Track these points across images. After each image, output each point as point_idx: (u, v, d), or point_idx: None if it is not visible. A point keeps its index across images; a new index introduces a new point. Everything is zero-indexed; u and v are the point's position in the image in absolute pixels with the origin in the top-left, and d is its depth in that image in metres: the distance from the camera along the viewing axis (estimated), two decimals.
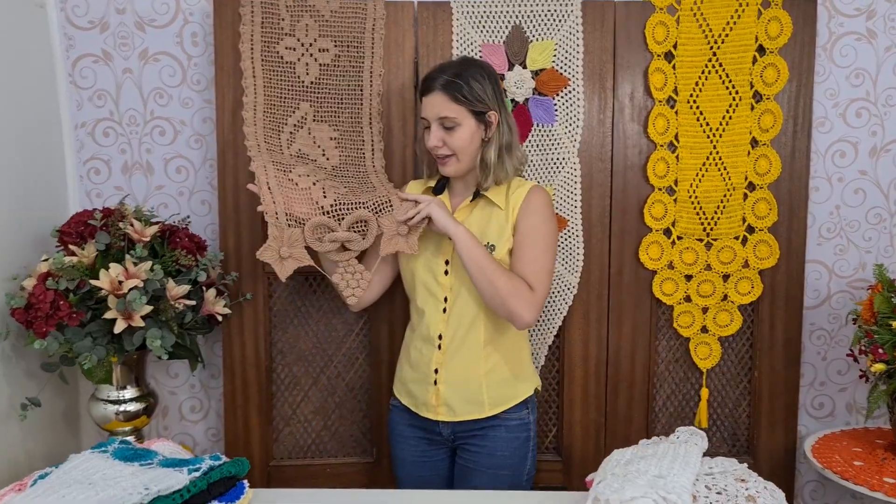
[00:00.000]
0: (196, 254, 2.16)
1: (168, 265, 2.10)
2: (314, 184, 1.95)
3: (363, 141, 2.11)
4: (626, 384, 2.36)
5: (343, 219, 1.94)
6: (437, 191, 2.02)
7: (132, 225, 2.06)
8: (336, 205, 1.95)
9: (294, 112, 2.09)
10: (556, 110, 2.26)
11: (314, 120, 2.09)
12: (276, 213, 1.90)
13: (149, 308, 1.95)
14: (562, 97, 2.26)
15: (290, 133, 2.07)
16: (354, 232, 1.95)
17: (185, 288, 2.06)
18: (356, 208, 1.94)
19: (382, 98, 2.17)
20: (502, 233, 1.91)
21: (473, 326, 1.94)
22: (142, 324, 1.94)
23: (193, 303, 2.07)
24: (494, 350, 1.96)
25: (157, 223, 2.18)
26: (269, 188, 1.91)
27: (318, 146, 2.08)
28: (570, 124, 2.27)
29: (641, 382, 2.36)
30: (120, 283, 1.95)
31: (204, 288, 2.14)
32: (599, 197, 2.30)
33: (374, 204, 1.95)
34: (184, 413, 2.49)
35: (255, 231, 2.25)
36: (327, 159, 2.08)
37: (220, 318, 2.17)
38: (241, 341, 2.30)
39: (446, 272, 1.94)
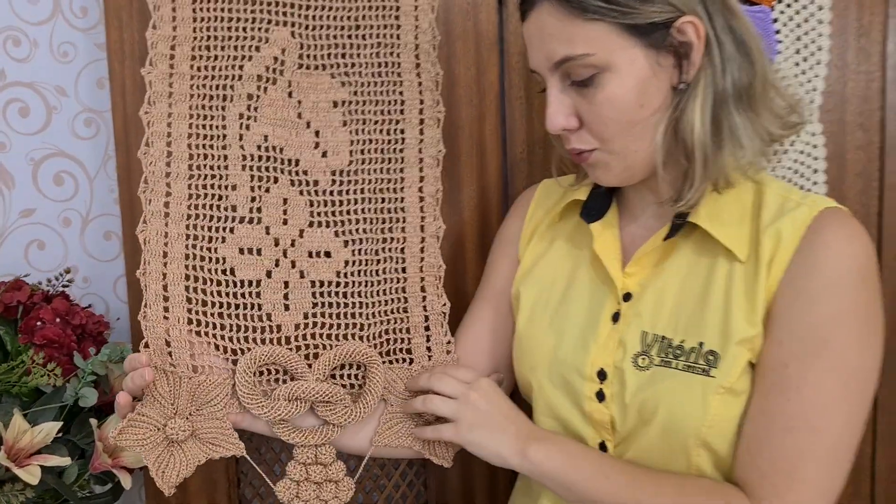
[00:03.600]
0: (74, 351, 1.08)
1: (13, 383, 1.03)
2: (276, 264, 0.90)
3: (402, 107, 0.99)
4: None
5: (319, 350, 0.93)
6: (590, 212, 0.91)
7: None
8: (315, 318, 0.93)
9: (257, 49, 0.97)
10: (779, 32, 1.14)
11: (300, 65, 0.98)
12: (168, 339, 0.85)
13: None
14: (789, 7, 1.14)
15: (249, 98, 0.96)
16: (342, 384, 0.93)
17: (52, 428, 1.00)
18: (352, 332, 0.94)
19: (438, 17, 1.05)
20: (738, 322, 0.79)
21: None
22: None
23: (66, 461, 1.00)
24: None
25: (7, 285, 1.11)
26: (162, 279, 0.86)
27: (308, 124, 0.97)
28: (806, 58, 1.14)
29: None
30: None
31: (94, 419, 1.07)
32: (861, 194, 1.18)
33: (386, 328, 0.96)
34: None
35: None
36: (323, 156, 0.96)
37: (130, 472, 1.10)
38: None
39: (600, 395, 0.84)
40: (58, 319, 1.09)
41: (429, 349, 0.95)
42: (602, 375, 0.84)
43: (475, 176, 1.17)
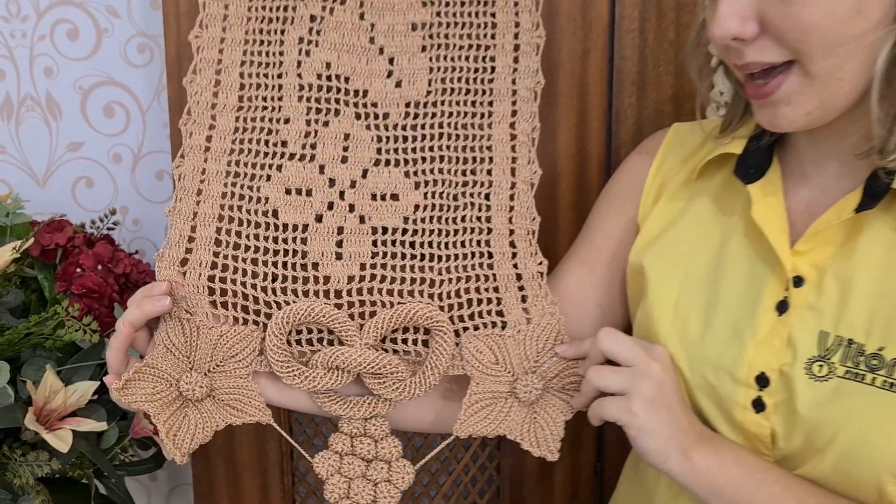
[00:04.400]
0: (115, 302, 0.97)
1: (46, 336, 0.92)
2: (329, 207, 0.76)
3: (493, 31, 0.81)
4: None
5: (377, 309, 0.77)
6: (747, 170, 0.71)
7: None
8: (374, 271, 0.77)
9: None
10: None
11: None
12: (186, 282, 0.72)
13: None
14: None
15: (311, 21, 0.80)
16: (399, 351, 0.77)
17: (88, 388, 0.90)
18: (420, 288, 0.78)
19: None
20: None
21: None
22: None
23: (102, 426, 0.90)
24: None
25: (47, 225, 1.01)
26: (192, 218, 0.75)
27: (381, 50, 0.81)
28: None
29: None
30: None
31: None
32: None
33: (466, 287, 0.79)
34: None
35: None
36: (397, 86, 0.80)
37: None
38: (232, 481, 1.11)
39: (758, 403, 0.66)
40: (99, 267, 0.98)
41: (526, 311, 0.77)
42: (762, 381, 0.66)
43: (574, 121, 1.00)
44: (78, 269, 0.96)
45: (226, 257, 0.75)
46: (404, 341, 0.76)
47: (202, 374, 0.73)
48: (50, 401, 0.89)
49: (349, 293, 0.76)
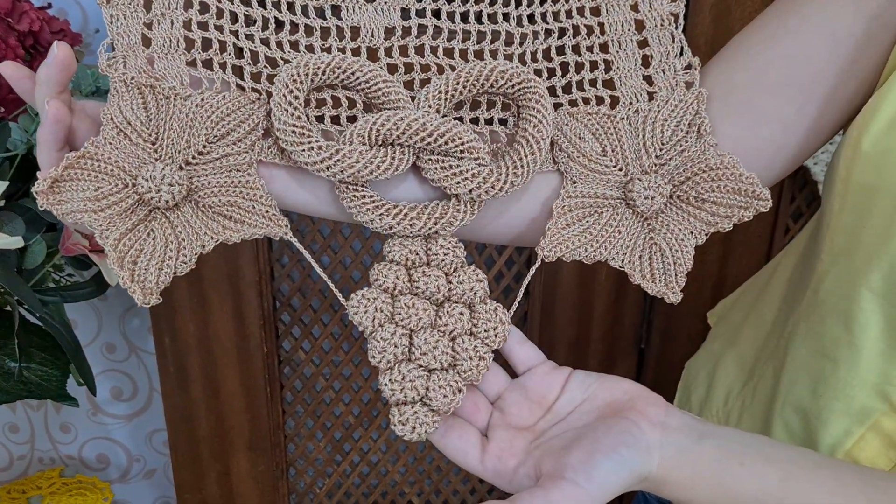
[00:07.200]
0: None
1: None
2: None
3: None
4: None
5: (430, 76, 0.49)
6: None
7: None
8: (421, 19, 0.49)
9: None
10: None
11: None
12: (148, 34, 0.44)
13: None
14: None
15: None
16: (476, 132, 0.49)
17: None
18: (491, 47, 0.51)
19: None
20: None
21: None
22: None
23: (17, 242, 0.66)
24: None
25: None
26: None
27: None
28: None
29: None
30: None
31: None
32: None
33: (559, 44, 0.51)
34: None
35: None
36: None
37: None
38: (198, 302, 0.90)
39: None
40: None
41: (648, 80, 0.51)
42: None
43: None
44: None
45: (202, 4, 0.47)
46: (474, 121, 0.50)
47: (175, 167, 0.46)
48: None
49: (388, 53, 0.49)
